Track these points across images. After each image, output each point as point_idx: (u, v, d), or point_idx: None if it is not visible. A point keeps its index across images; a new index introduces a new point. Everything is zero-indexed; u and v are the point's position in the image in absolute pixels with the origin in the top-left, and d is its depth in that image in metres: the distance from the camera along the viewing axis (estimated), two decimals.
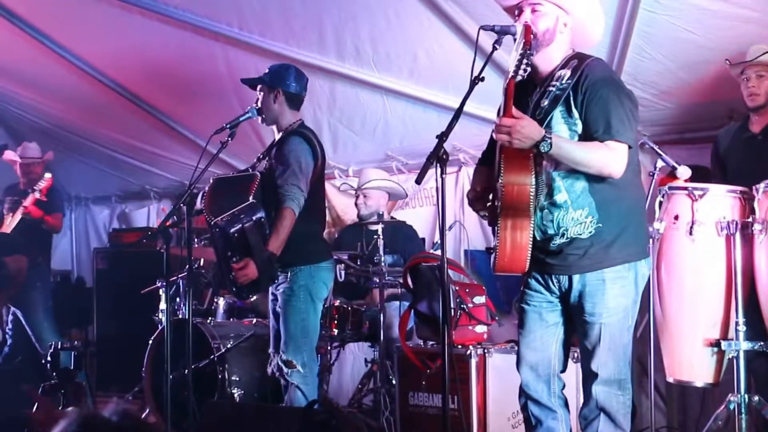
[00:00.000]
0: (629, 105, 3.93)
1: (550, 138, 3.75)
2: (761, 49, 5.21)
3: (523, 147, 3.76)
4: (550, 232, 3.97)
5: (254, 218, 5.17)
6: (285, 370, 5.31)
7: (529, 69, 3.85)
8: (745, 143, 5.38)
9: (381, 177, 7.36)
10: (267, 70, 5.53)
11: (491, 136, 4.25)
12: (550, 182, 3.93)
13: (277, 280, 5.33)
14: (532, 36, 3.88)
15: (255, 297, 5.57)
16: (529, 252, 3.92)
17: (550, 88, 3.96)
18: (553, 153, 3.80)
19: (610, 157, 3.85)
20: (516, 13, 4.04)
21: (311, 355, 5.42)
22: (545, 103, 3.95)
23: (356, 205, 7.36)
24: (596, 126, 3.86)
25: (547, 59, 4.02)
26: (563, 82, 3.94)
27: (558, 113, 3.92)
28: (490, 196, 4.10)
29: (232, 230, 5.14)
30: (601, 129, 3.85)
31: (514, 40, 3.96)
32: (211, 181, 5.54)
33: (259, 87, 5.50)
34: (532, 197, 3.83)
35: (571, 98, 3.91)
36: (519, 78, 3.84)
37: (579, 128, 3.92)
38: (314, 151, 5.40)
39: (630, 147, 3.90)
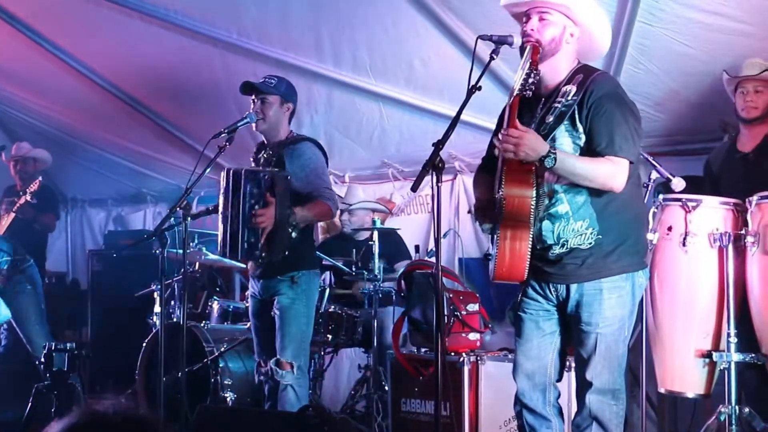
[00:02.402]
0: (633, 120, 3.95)
1: (555, 153, 3.78)
2: (756, 62, 5.24)
3: (528, 160, 3.79)
4: (550, 242, 3.98)
5: (284, 173, 5.29)
6: (279, 372, 5.34)
7: (534, 88, 3.87)
8: (737, 163, 5.39)
9: (366, 197, 7.48)
10: (271, 81, 5.56)
11: (491, 142, 4.28)
12: (552, 194, 3.95)
13: (279, 258, 5.33)
14: (540, 49, 3.89)
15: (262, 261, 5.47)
16: (528, 262, 3.94)
17: (556, 104, 3.97)
18: (557, 168, 3.83)
19: (612, 172, 3.88)
20: (524, 20, 4.04)
21: (307, 358, 5.52)
22: (550, 119, 3.96)
23: (341, 220, 7.44)
24: (599, 141, 3.88)
25: (553, 70, 4.02)
26: (569, 98, 3.94)
27: (562, 126, 3.94)
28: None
29: (263, 174, 5.23)
30: (604, 144, 3.87)
31: (521, 53, 3.97)
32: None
33: (261, 95, 5.54)
34: (532, 209, 3.85)
35: (576, 113, 3.92)
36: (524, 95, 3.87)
37: (582, 142, 3.94)
38: (326, 157, 5.63)
39: (632, 162, 3.93)
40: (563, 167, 3.84)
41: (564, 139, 3.94)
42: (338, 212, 7.43)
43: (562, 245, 3.97)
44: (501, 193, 3.85)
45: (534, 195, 3.85)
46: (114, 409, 1.90)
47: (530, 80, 3.83)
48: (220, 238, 5.41)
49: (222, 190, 5.40)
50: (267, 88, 5.53)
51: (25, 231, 8.47)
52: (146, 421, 1.91)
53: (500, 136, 3.84)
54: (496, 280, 4.05)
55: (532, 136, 3.79)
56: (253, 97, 5.54)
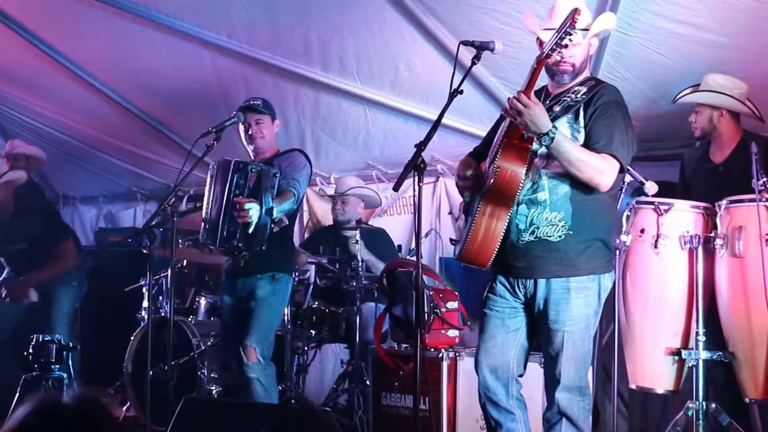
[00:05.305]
0: (631, 134, 4.11)
1: (555, 134, 3.87)
2: (714, 79, 5.30)
3: (527, 130, 3.88)
4: (521, 227, 4.08)
5: (271, 170, 5.40)
6: (246, 363, 5.47)
7: (562, 52, 4.01)
8: (708, 173, 5.47)
9: (359, 185, 7.51)
10: (258, 102, 5.77)
11: (488, 134, 4.40)
12: (536, 179, 4.06)
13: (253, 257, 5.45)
14: (574, 25, 3.89)
15: (237, 253, 5.55)
16: (498, 245, 4.03)
17: (565, 98, 4.11)
18: (553, 148, 3.92)
19: (603, 168, 3.99)
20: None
21: (270, 350, 5.62)
22: (557, 108, 4.09)
23: (333, 210, 7.49)
24: (599, 138, 4.01)
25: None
26: (578, 96, 4.08)
27: (565, 117, 4.07)
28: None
29: (251, 167, 5.33)
30: (603, 141, 4.00)
31: (538, 61, 4.05)
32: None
33: (257, 117, 5.72)
34: (520, 187, 3.96)
35: (581, 109, 4.06)
36: (550, 56, 3.98)
37: (581, 137, 4.06)
38: (311, 169, 5.79)
39: (621, 169, 4.06)
40: (558, 148, 3.92)
41: (563, 128, 4.05)
42: (332, 204, 7.55)
43: (532, 232, 4.07)
44: (495, 163, 3.93)
45: (524, 174, 3.96)
46: (72, 399, 1.91)
47: (564, 39, 3.88)
48: (202, 225, 5.50)
49: (209, 179, 5.51)
50: (265, 108, 5.74)
51: None
52: (104, 412, 1.95)
53: (511, 96, 3.92)
54: (461, 259, 4.13)
55: (540, 110, 3.87)
56: (248, 120, 5.70)
